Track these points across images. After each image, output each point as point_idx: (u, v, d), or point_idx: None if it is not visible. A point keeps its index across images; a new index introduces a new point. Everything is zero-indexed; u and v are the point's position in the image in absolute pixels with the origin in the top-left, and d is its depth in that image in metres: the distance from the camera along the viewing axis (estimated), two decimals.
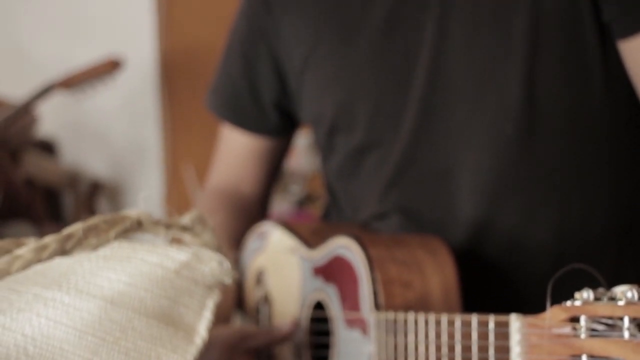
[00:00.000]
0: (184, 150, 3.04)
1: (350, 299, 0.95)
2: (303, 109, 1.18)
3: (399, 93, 1.06)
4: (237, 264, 1.19)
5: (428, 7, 1.03)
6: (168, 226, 0.83)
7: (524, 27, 1.00)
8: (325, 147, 1.17)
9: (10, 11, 3.14)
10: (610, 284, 0.63)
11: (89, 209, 2.97)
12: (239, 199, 1.27)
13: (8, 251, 0.77)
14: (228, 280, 0.80)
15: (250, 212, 1.27)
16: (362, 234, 0.99)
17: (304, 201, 2.85)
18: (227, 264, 0.79)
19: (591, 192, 1.04)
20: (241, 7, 1.23)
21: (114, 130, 3.12)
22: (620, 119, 1.04)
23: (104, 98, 2.66)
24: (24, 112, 2.45)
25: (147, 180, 3.12)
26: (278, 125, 1.24)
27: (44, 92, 2.45)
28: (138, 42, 3.02)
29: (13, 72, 3.13)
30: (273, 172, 1.30)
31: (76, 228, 0.79)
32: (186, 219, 0.85)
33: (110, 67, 2.52)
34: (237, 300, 1.18)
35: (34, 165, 2.76)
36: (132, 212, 0.82)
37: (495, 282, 1.05)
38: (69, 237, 0.78)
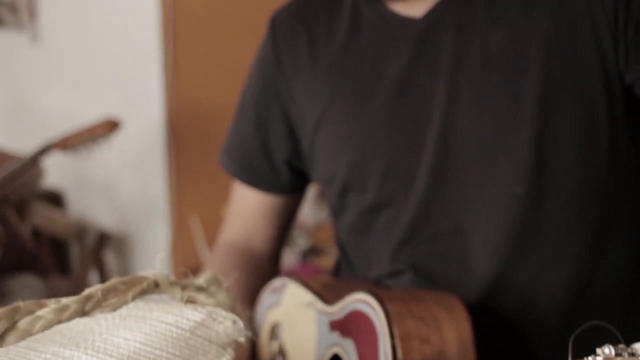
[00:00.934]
0: (191, 203, 3.05)
1: (368, 354, 0.95)
2: (315, 169, 1.19)
3: (411, 154, 1.07)
4: (250, 321, 1.19)
5: (439, 71, 1.05)
6: (184, 287, 0.84)
7: (534, 89, 1.01)
8: (336, 205, 1.17)
9: (19, 66, 3.17)
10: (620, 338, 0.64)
11: (95, 261, 2.97)
12: (251, 256, 1.28)
13: (30, 312, 0.78)
14: (241, 339, 0.81)
15: (262, 268, 1.27)
16: (379, 290, 0.99)
17: (308, 253, 2.85)
18: (240, 323, 0.80)
19: (600, 250, 1.05)
20: (254, 67, 1.24)
21: (121, 182, 3.14)
22: (627, 179, 1.06)
23: (111, 151, 2.66)
24: (24, 170, 2.39)
25: (154, 232, 3.12)
26: (289, 184, 1.25)
27: (42, 152, 2.40)
28: (145, 98, 3.05)
29: (21, 127, 3.16)
30: (284, 228, 1.30)
31: (95, 289, 0.79)
32: (201, 279, 0.86)
33: (107, 128, 2.41)
34: (250, 355, 1.18)
35: (40, 216, 2.76)
36: (149, 273, 0.83)
37: (507, 336, 1.06)
38: (89, 298, 0.79)
